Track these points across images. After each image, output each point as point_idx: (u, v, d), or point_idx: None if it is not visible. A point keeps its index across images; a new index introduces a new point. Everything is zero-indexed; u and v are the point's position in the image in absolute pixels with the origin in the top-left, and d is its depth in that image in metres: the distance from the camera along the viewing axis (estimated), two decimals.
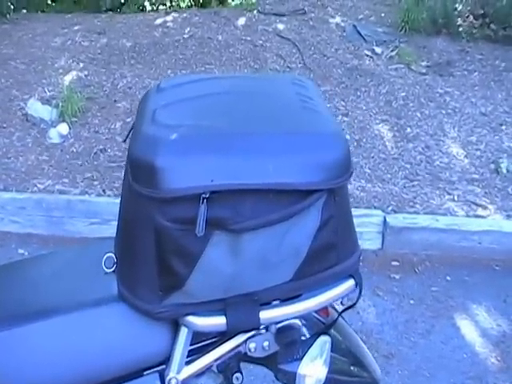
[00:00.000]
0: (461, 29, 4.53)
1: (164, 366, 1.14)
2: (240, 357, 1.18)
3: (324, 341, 1.18)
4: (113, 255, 1.14)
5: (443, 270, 2.75)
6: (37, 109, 3.67)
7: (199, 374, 1.17)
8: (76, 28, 4.85)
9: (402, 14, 4.64)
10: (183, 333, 1.11)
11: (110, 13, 5.61)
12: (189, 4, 6.36)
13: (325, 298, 1.12)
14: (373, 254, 2.84)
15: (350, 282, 1.13)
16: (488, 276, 2.72)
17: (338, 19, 4.86)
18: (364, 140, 3.50)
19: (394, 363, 2.25)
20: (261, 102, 1.16)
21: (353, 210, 1.16)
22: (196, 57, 4.30)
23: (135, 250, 1.06)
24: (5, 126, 3.64)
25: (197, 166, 0.99)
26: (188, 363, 1.14)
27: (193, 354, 1.15)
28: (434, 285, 2.67)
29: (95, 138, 3.52)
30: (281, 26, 4.71)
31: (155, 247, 1.02)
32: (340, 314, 1.22)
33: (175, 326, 1.11)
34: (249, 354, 1.17)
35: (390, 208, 2.99)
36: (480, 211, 2.98)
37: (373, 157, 3.37)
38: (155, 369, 1.14)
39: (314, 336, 1.19)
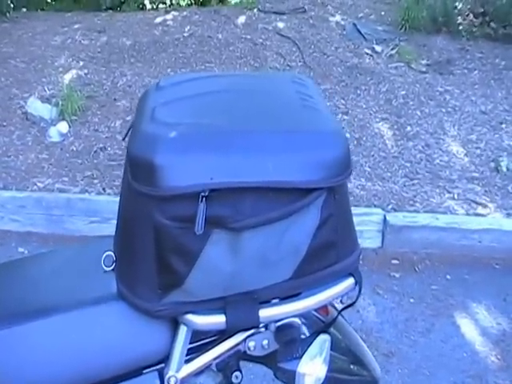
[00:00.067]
0: (461, 27, 4.53)
1: (163, 365, 1.14)
2: (239, 355, 1.18)
3: (323, 339, 1.18)
4: (112, 253, 1.14)
5: (443, 269, 2.75)
6: (37, 107, 3.67)
7: (198, 373, 1.17)
8: (76, 26, 4.85)
9: (402, 12, 4.64)
10: (182, 331, 1.10)
11: (110, 11, 5.61)
12: (189, 2, 6.36)
13: (324, 296, 1.12)
14: (373, 253, 2.84)
15: (350, 281, 1.13)
16: (488, 274, 2.72)
17: (338, 18, 4.86)
18: (364, 138, 3.49)
19: (394, 362, 2.25)
20: (260, 100, 1.15)
21: (353, 208, 1.16)
22: (196, 55, 4.30)
23: (134, 249, 1.06)
24: (5, 124, 3.64)
25: (196, 163, 0.99)
26: (187, 362, 1.14)
27: (192, 353, 1.15)
28: (434, 283, 2.67)
29: (95, 137, 3.52)
30: (281, 25, 4.70)
31: (154, 245, 1.02)
32: (340, 312, 1.22)
33: (174, 324, 1.11)
34: (248, 352, 1.16)
35: (390, 206, 2.99)
36: (480, 210, 2.98)
37: (373, 155, 3.37)
38: (154, 367, 1.14)
39: (314, 334, 1.18)
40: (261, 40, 4.47)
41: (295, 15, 4.86)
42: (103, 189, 3.12)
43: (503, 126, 3.63)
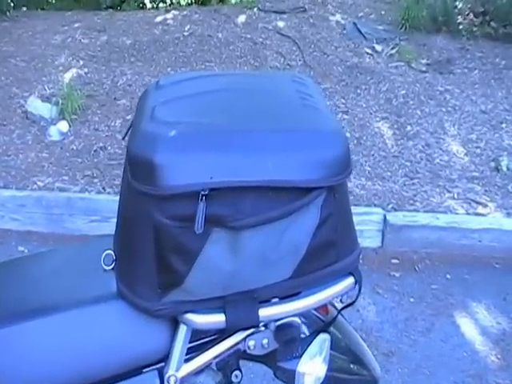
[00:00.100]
0: (461, 27, 4.53)
1: (163, 364, 1.13)
2: (239, 354, 1.18)
3: (323, 338, 1.18)
4: (112, 252, 1.14)
5: (443, 268, 2.75)
6: (37, 106, 3.67)
7: (198, 372, 1.17)
8: (76, 25, 4.85)
9: (402, 11, 4.64)
10: (182, 330, 1.10)
11: (110, 10, 5.62)
12: (189, 1, 6.35)
13: (324, 295, 1.12)
14: (373, 252, 2.84)
15: (350, 280, 1.13)
16: (488, 274, 2.72)
17: (338, 17, 4.86)
18: (364, 138, 3.49)
19: (394, 361, 2.25)
20: (260, 99, 1.15)
21: (353, 207, 1.16)
22: (196, 54, 4.30)
23: (134, 248, 1.06)
24: (5, 123, 3.64)
25: (196, 163, 0.98)
26: (187, 361, 1.14)
27: (192, 352, 1.15)
28: (434, 283, 2.67)
29: (95, 136, 3.52)
30: (281, 24, 4.70)
31: (154, 244, 1.02)
32: (339, 311, 1.22)
33: (174, 323, 1.11)
34: (248, 351, 1.16)
35: (390, 206, 2.99)
36: (480, 209, 2.98)
37: (373, 155, 3.37)
38: (154, 366, 1.14)
39: (314, 334, 1.18)
40: (261, 39, 4.47)
41: (295, 14, 4.86)
42: (103, 188, 3.12)
43: (503, 125, 3.63)
